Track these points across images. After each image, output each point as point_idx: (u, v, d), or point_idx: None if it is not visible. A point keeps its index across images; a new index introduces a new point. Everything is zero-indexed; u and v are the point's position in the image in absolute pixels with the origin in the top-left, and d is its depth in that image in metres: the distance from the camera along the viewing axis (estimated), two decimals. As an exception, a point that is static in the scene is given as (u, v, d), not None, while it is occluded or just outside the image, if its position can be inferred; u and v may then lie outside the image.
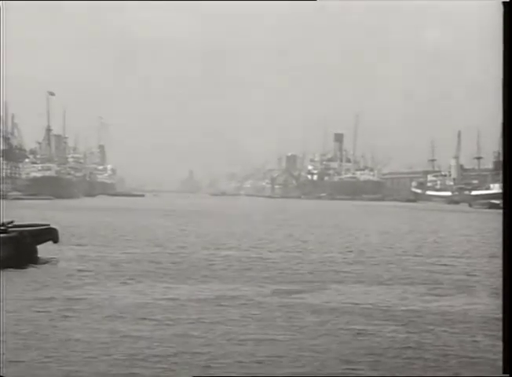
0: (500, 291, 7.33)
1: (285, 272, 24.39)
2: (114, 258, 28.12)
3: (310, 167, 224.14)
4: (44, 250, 27.64)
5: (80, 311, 16.48)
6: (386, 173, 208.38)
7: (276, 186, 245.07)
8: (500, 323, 7.42)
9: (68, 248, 30.94)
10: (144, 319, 15.69)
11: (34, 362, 12.01)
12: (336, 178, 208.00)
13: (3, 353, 12.38)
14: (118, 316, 15.94)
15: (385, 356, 12.79)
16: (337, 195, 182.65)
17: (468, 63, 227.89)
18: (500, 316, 7.45)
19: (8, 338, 13.42)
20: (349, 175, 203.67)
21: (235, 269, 25.28)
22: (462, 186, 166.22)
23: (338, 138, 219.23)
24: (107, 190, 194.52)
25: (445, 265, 27.80)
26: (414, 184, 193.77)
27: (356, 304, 18.05)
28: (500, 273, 7.37)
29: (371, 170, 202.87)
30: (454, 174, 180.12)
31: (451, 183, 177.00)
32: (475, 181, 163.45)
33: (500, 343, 7.35)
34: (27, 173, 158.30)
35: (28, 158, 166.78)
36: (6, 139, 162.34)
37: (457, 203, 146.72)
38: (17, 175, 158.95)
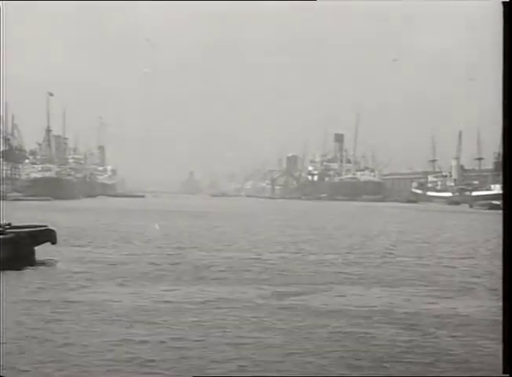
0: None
1: (285, 274, 24.21)
2: (114, 259, 27.92)
3: (310, 168, 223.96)
4: (42, 251, 27.45)
5: (76, 314, 16.28)
6: (387, 174, 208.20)
7: (277, 187, 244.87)
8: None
9: (67, 249, 30.74)
10: (141, 322, 15.50)
11: (28, 367, 11.82)
12: (336, 179, 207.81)
13: (3, 353, 12.21)
14: (115, 319, 15.74)
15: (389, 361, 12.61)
16: (337, 196, 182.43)
17: (468, 63, 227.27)
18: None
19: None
20: (350, 176, 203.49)
21: (234, 270, 25.07)
22: (463, 187, 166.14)
23: (339, 139, 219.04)
24: (108, 191, 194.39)
25: (448, 266, 27.64)
26: (414, 184, 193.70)
27: (358, 306, 17.87)
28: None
29: (372, 170, 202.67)
30: (454, 175, 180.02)
31: (452, 184, 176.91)
32: (476, 182, 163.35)
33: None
34: (27, 174, 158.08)
35: (28, 159, 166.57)
36: (6, 140, 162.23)
37: (458, 203, 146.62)
38: (17, 176, 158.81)
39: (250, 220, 66.81)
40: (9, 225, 27.33)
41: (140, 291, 19.78)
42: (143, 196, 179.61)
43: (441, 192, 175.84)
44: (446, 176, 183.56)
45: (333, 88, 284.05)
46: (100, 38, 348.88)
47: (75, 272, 23.65)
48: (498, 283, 13.46)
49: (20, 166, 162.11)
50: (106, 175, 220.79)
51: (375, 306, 17.88)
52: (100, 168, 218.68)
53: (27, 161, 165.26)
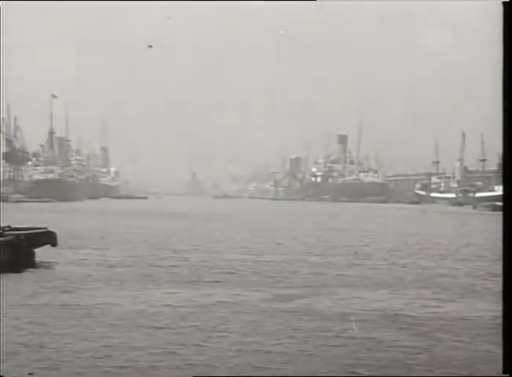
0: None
1: (286, 276, 23.88)
2: (114, 261, 27.61)
3: (314, 169, 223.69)
4: (42, 253, 27.16)
5: (73, 318, 15.94)
6: (390, 175, 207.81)
7: (280, 188, 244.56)
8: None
9: (67, 251, 30.45)
10: (141, 326, 15.17)
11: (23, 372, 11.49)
12: (340, 180, 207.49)
13: (3, 354, 11.97)
14: (114, 323, 15.41)
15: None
16: (341, 198, 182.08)
17: (469, 63, 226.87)
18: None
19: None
20: (353, 177, 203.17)
21: (238, 273, 24.74)
22: (467, 188, 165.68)
23: (342, 140, 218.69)
24: (111, 192, 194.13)
25: (453, 268, 27.31)
26: (418, 186, 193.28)
27: (362, 309, 17.53)
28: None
29: (375, 172, 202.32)
30: (458, 176, 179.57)
31: (455, 185, 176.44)
32: (479, 183, 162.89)
33: None
34: (30, 176, 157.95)
35: (31, 160, 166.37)
36: (9, 141, 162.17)
37: (461, 204, 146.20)
38: (20, 178, 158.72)
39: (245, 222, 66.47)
40: (8, 227, 27.03)
41: (144, 294, 19.46)
42: (145, 198, 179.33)
43: (445, 194, 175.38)
44: (449, 177, 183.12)
45: (336, 89, 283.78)
46: (103, 40, 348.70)
47: (75, 275, 23.34)
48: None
49: (23, 167, 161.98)
50: (109, 177, 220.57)
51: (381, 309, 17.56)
52: (104, 170, 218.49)
53: (29, 163, 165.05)
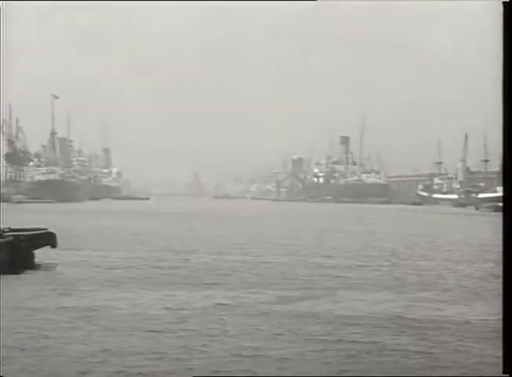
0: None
1: (289, 278, 23.64)
2: (114, 263, 27.38)
3: (316, 170, 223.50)
4: (42, 254, 26.93)
5: (71, 322, 15.69)
6: (392, 176, 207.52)
7: (282, 189, 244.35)
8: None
9: (66, 253, 30.20)
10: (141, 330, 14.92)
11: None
12: (342, 181, 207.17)
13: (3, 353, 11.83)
14: (113, 326, 15.17)
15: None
16: (343, 198, 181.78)
17: (471, 63, 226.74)
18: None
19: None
20: (355, 178, 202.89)
21: (238, 275, 24.48)
22: (469, 189, 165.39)
23: (344, 141, 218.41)
24: (112, 193, 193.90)
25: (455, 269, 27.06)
26: (420, 187, 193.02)
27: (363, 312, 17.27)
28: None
29: (377, 172, 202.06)
30: (460, 177, 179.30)
31: (458, 186, 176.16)
32: (482, 184, 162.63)
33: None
34: (32, 177, 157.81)
35: (33, 161, 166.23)
36: (11, 142, 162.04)
37: (464, 205, 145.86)
38: (21, 178, 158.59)
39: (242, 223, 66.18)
40: (8, 229, 26.82)
41: (145, 296, 19.21)
42: (147, 199, 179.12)
43: (447, 194, 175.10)
44: (452, 178, 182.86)
45: (338, 90, 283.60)
46: (105, 40, 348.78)
47: (74, 277, 23.09)
48: None
49: (25, 168, 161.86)
50: (111, 177, 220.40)
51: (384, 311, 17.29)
52: (105, 170, 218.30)
53: (31, 163, 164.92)
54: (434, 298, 19.82)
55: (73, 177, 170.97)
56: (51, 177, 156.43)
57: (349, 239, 43.19)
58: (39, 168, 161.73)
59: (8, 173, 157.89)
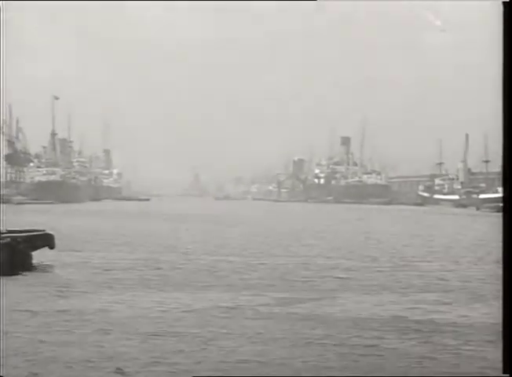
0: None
1: (289, 279, 23.37)
2: (114, 265, 27.13)
3: (317, 171, 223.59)
4: (41, 256, 26.68)
5: (68, 326, 15.40)
6: (393, 177, 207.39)
7: (283, 190, 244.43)
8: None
9: (66, 254, 29.96)
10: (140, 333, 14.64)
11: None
12: (343, 182, 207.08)
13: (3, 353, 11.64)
14: (110, 329, 14.89)
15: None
16: (344, 199, 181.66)
17: (471, 63, 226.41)
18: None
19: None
20: (356, 179, 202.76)
21: (236, 276, 24.23)
22: (470, 190, 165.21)
23: (345, 142, 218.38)
24: (113, 194, 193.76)
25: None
26: (421, 187, 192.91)
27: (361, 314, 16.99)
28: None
29: (378, 173, 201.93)
30: (461, 178, 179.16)
31: (459, 186, 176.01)
32: (483, 185, 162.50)
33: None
34: (32, 178, 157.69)
35: (33, 162, 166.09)
36: (11, 143, 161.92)
37: (465, 206, 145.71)
38: (22, 179, 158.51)
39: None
40: (5, 230, 26.59)
41: (145, 299, 18.95)
42: (148, 200, 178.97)
43: (448, 195, 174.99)
44: (453, 179, 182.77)
45: (339, 90, 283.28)
46: (105, 40, 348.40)
47: (72, 279, 22.83)
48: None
49: (25, 169, 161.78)
50: (111, 178, 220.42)
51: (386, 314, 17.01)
52: (106, 171, 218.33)
53: (31, 164, 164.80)
54: (436, 300, 19.54)
55: (73, 178, 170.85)
56: (51, 178, 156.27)
57: (349, 240, 42.98)
58: (40, 169, 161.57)
59: (8, 174, 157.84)
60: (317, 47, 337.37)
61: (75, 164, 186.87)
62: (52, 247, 27.43)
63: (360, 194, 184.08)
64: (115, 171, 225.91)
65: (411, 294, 20.64)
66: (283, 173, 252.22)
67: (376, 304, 18.67)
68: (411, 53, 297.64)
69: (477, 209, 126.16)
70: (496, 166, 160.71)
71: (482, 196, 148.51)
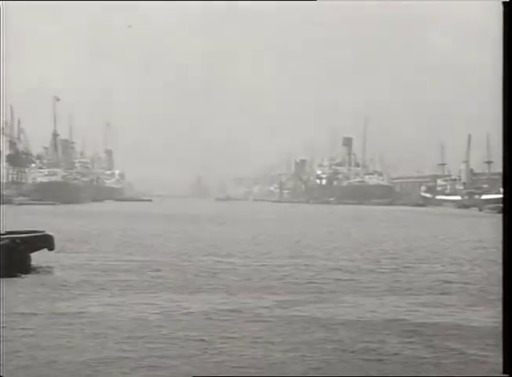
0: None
1: (290, 281, 23.18)
2: (115, 266, 26.94)
3: (319, 172, 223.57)
4: (40, 257, 26.50)
5: (66, 329, 15.20)
6: (395, 178, 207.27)
7: (285, 191, 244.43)
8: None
9: (65, 255, 29.78)
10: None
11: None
12: (345, 183, 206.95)
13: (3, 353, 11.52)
14: (109, 333, 14.69)
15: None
16: (346, 200, 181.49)
17: (472, 63, 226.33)
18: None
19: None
20: (358, 179, 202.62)
21: (237, 278, 24.04)
22: (472, 190, 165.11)
23: (347, 142, 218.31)
24: (115, 195, 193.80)
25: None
26: (423, 188, 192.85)
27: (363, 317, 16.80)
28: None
29: (380, 174, 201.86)
30: (464, 179, 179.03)
31: (461, 187, 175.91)
32: (485, 186, 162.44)
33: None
34: (34, 178, 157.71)
35: (35, 163, 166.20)
36: (12, 144, 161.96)
37: (467, 207, 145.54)
38: (23, 180, 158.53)
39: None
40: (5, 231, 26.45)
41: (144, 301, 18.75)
42: (150, 200, 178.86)
43: (450, 196, 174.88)
44: (455, 179, 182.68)
45: (341, 91, 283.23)
46: (106, 41, 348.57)
47: (71, 281, 22.63)
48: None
49: (27, 170, 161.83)
50: (113, 179, 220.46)
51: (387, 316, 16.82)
52: (108, 172, 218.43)
53: (33, 165, 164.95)
54: (437, 302, 19.36)
55: (75, 178, 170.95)
56: (53, 178, 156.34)
57: (350, 240, 42.86)
58: (41, 170, 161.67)
59: (10, 175, 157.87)
60: (317, 47, 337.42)
61: (77, 165, 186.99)
62: (51, 248, 27.22)
63: (362, 195, 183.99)
64: (116, 172, 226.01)
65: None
66: (284, 174, 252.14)
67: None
68: (413, 53, 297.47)
69: (480, 210, 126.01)
70: (499, 166, 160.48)
71: (484, 197, 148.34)
